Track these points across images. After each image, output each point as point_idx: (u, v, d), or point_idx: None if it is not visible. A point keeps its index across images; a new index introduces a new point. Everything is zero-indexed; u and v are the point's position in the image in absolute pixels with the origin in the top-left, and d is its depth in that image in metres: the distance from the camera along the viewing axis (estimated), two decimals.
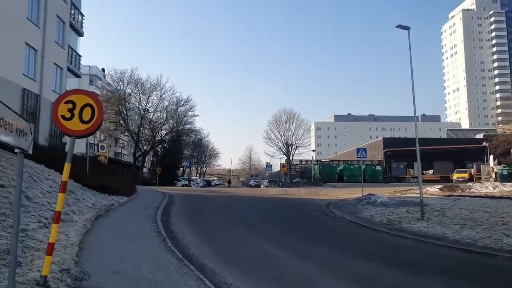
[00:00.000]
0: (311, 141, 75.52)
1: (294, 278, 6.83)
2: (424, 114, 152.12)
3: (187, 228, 11.67)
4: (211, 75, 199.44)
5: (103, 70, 67.75)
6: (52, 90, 22.47)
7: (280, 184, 45.93)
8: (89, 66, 62.17)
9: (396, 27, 15.60)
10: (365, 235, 12.15)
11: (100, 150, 27.56)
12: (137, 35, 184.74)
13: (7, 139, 3.79)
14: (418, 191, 25.49)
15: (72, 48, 26.07)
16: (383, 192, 24.65)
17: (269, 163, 52.23)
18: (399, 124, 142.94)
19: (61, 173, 14.79)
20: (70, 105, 5.48)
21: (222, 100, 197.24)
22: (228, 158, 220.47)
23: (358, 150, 25.39)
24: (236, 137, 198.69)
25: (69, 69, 25.33)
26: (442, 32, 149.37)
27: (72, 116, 5.44)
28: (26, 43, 19.91)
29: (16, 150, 4.34)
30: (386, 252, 9.43)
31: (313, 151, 53.02)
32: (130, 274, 6.30)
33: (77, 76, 27.79)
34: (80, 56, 27.85)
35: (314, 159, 56.64)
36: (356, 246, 10.14)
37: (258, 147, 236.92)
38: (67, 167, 5.35)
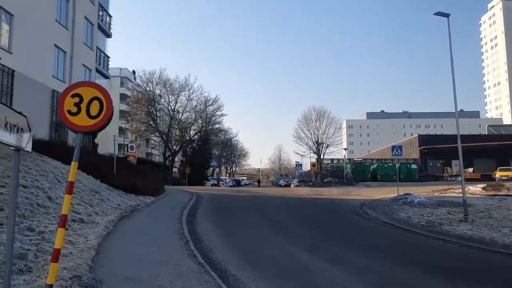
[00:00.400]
0: (343, 139, 73.74)
1: (326, 287, 6.15)
2: (462, 110, 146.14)
3: (213, 229, 11.18)
4: (240, 75, 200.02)
5: (133, 72, 68.92)
6: None
7: (311, 183, 44.96)
8: (120, 68, 63.46)
9: (435, 14, 14.54)
10: (402, 238, 11.25)
11: (129, 150, 27.68)
12: (165, 35, 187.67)
13: None
14: (458, 191, 24.12)
15: (100, 50, 26.33)
16: (420, 191, 23.35)
17: (299, 162, 51.27)
18: (434, 121, 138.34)
19: (88, 174, 14.69)
20: (76, 99, 5.04)
21: (251, 99, 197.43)
22: (257, 158, 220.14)
23: (393, 147, 24.18)
24: (265, 137, 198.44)
25: (97, 70, 25.57)
26: (480, 23, 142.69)
27: (79, 110, 5.00)
28: (55, 45, 20.11)
29: (11, 148, 3.90)
30: (427, 257, 8.55)
31: (345, 149, 51.54)
32: (146, 281, 5.82)
33: (106, 77, 28.09)
34: (108, 57, 28.15)
35: (346, 157, 55.04)
36: (393, 250, 9.31)
37: (288, 147, 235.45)
38: (73, 166, 4.90)
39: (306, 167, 66.84)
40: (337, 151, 75.88)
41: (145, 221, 11.98)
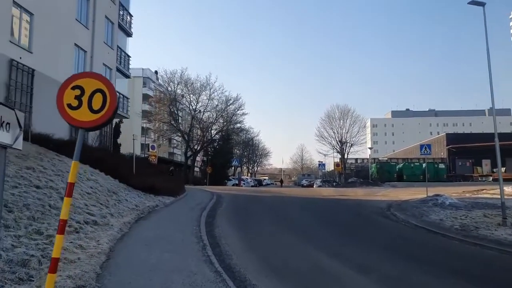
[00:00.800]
0: (367, 138, 71.95)
1: None
2: (492, 108, 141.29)
3: (232, 232, 10.64)
4: (262, 73, 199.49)
5: (156, 72, 69.34)
6: None
7: (335, 184, 43.91)
8: (142, 69, 63.94)
9: (469, 3, 13.53)
10: (435, 242, 10.43)
11: (150, 150, 27.54)
12: (186, 33, 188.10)
13: None
14: (492, 191, 22.84)
15: (120, 49, 26.25)
16: (450, 192, 22.21)
17: (322, 162, 50.20)
18: (462, 119, 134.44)
19: (107, 174, 14.41)
20: (78, 91, 4.55)
21: (273, 98, 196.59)
22: (279, 158, 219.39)
23: (421, 146, 23.13)
24: (287, 136, 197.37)
25: (118, 70, 25.49)
26: (510, 18, 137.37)
27: (80, 104, 4.51)
28: (75, 44, 20.03)
29: None
30: (466, 265, 7.76)
31: (370, 148, 50.16)
32: None
33: (127, 76, 28.04)
34: (129, 56, 28.07)
35: (371, 157, 53.57)
36: (427, 256, 8.53)
37: (310, 146, 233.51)
38: (73, 166, 4.40)
39: (329, 166, 65.74)
40: (361, 151, 74.56)
41: (162, 223, 11.55)
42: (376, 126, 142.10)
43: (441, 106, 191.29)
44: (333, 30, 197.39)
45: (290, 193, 28.25)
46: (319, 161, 49.84)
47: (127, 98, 27.43)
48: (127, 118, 28.02)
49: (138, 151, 28.11)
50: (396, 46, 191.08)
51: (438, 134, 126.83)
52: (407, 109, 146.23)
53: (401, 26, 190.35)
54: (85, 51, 20.88)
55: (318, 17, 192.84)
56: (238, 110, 49.11)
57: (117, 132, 32.40)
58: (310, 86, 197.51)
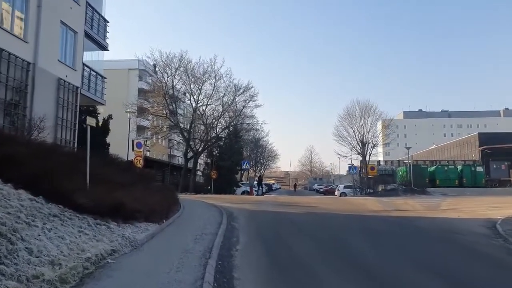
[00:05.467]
0: (390, 138, 64.83)
1: None
2: (507, 108, 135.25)
3: None
4: (271, 71, 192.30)
5: (154, 66, 62.01)
6: (58, 60, 15.54)
7: (366, 191, 36.33)
8: (138, 60, 56.70)
9: None
10: None
11: (135, 148, 20.37)
12: (186, 20, 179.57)
13: None
14: None
15: (92, 8, 18.94)
16: None
17: (353, 164, 42.76)
18: (476, 120, 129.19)
19: (18, 187, 7.37)
20: None
21: (281, 97, 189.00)
22: (285, 160, 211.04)
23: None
24: (294, 137, 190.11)
25: (88, 36, 18.34)
26: None
27: None
28: None
29: None
30: None
31: (408, 148, 42.66)
32: None
33: (103, 48, 20.63)
34: (106, 21, 20.76)
35: (410, 159, 45.64)
36: None
37: (319, 148, 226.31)
38: None
39: (340, 170, 58.56)
40: (375, 154, 67.53)
41: None
42: (388, 127, 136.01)
43: (453, 107, 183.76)
44: (335, 31, 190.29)
45: (323, 205, 20.95)
46: (349, 164, 42.43)
47: (103, 77, 20.19)
48: (103, 104, 20.89)
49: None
50: (408, 43, 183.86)
51: (452, 136, 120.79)
52: (420, 110, 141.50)
53: (407, 31, 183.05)
54: None
55: (326, 10, 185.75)
56: (249, 101, 40.51)
57: (105, 129, 25.60)
58: (317, 88, 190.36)
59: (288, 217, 15.67)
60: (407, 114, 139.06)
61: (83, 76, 17.57)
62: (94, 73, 19.18)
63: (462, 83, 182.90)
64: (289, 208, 19.23)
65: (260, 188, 39.51)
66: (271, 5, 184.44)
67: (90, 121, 10.14)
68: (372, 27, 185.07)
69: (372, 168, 36.21)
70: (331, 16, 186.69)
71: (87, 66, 18.31)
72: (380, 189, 35.82)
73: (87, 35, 17.98)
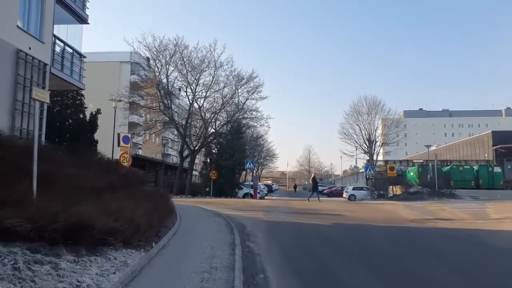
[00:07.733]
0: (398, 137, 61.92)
1: None
2: (508, 108, 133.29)
3: None
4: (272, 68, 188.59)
5: (148, 59, 58.17)
6: (18, 27, 11.96)
7: (382, 193, 32.81)
8: (131, 52, 52.88)
9: None
10: None
11: (122, 143, 16.83)
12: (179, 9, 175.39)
13: None
14: None
15: None
16: None
17: (369, 164, 39.22)
18: (478, 119, 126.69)
19: None
20: None
21: (278, 96, 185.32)
22: (282, 160, 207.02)
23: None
24: (292, 137, 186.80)
25: (61, 2, 14.66)
26: None
27: None
28: None
29: None
30: None
31: (427, 146, 39.22)
32: None
33: (81, 20, 16.72)
34: None
35: (436, 159, 42.09)
36: None
37: (317, 148, 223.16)
38: None
39: (336, 170, 55.39)
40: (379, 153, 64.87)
41: None
42: (387, 126, 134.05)
43: (454, 106, 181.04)
44: (335, 30, 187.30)
45: (349, 213, 17.49)
46: (365, 163, 39.03)
47: (81, 55, 16.42)
48: (81, 89, 17.25)
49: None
50: (408, 41, 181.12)
51: (453, 136, 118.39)
52: (420, 109, 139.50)
53: (408, 27, 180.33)
54: None
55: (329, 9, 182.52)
56: (253, 92, 36.24)
57: (93, 125, 22.09)
58: (316, 88, 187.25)
59: (316, 231, 12.12)
60: (408, 113, 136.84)
61: (54, 51, 14.01)
62: (70, 50, 15.53)
63: (463, 82, 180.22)
64: (310, 218, 15.63)
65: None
66: (271, 5, 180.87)
67: (39, 93, 6.57)
68: (372, 26, 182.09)
69: (392, 168, 32.65)
70: (331, 15, 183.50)
71: (60, 40, 14.71)
72: (400, 192, 32.25)
73: (60, 1, 14.35)
